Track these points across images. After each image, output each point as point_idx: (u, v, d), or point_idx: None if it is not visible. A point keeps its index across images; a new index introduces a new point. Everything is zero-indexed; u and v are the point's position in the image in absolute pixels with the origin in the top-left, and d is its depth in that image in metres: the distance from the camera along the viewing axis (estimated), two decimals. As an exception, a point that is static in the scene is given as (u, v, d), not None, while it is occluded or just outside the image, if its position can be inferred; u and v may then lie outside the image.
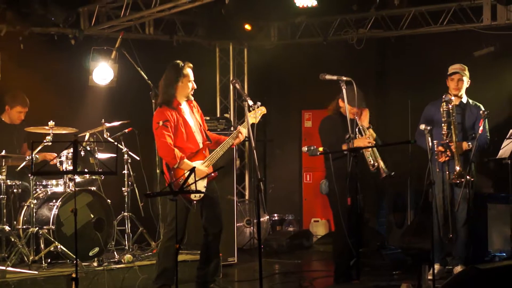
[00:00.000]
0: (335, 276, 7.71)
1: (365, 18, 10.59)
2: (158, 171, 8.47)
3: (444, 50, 10.11)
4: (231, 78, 11.14)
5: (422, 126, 7.51)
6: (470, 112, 7.94)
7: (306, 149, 7.44)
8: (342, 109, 7.56)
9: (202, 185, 6.99)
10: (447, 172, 7.75)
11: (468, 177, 7.68)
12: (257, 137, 7.12)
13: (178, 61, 7.19)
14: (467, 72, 7.99)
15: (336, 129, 7.52)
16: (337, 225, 7.68)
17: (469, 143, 7.73)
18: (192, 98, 7.29)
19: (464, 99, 7.98)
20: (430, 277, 7.53)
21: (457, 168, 7.67)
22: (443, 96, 7.88)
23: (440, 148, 7.73)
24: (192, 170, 6.47)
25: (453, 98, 7.79)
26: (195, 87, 7.22)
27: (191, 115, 7.26)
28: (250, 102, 7.04)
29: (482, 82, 9.67)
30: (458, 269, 7.74)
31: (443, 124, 7.72)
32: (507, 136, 8.16)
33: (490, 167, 8.59)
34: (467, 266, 7.30)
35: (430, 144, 7.50)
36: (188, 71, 7.16)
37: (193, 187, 6.53)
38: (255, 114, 7.21)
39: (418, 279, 7.72)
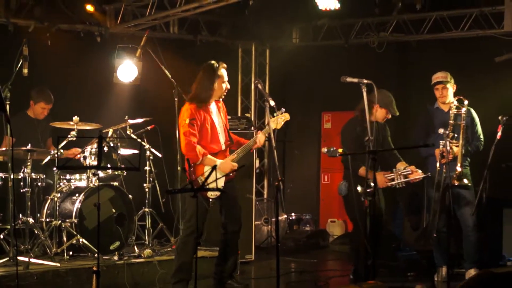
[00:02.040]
0: (353, 276, 7.76)
1: (386, 21, 10.63)
2: (179, 168, 8.55)
3: (464, 55, 10.11)
4: (253, 78, 11.24)
5: (441, 130, 7.55)
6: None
7: (325, 150, 7.48)
8: (372, 112, 7.63)
9: (220, 184, 7.05)
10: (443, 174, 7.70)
11: (465, 180, 7.69)
12: (277, 137, 7.18)
13: (213, 62, 7.21)
14: (450, 79, 8.00)
15: (359, 133, 7.57)
16: (355, 226, 7.74)
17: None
18: (221, 99, 7.36)
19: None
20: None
21: (458, 168, 7.66)
22: (435, 105, 8.07)
23: (442, 149, 7.69)
24: (214, 167, 6.54)
25: (465, 101, 7.79)
26: (229, 87, 7.27)
27: (218, 116, 7.32)
28: (272, 103, 7.07)
29: (503, 87, 9.70)
30: (471, 272, 7.75)
31: (450, 127, 7.72)
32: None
33: (507, 172, 8.58)
34: (480, 270, 7.32)
35: (448, 147, 7.54)
36: (223, 71, 7.21)
37: (212, 185, 6.61)
38: (278, 120, 7.25)
39: (432, 281, 7.78)
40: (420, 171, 7.64)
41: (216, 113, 7.31)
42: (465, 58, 10.02)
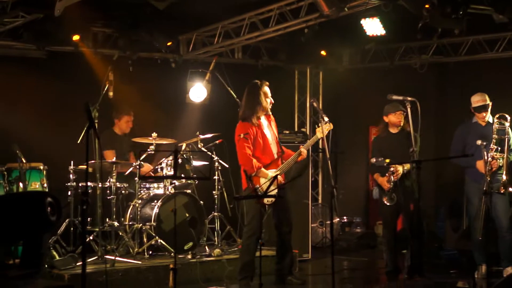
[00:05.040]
0: (388, 270, 7.75)
1: (427, 45, 10.47)
2: (243, 177, 8.54)
3: (499, 74, 9.89)
4: (308, 97, 11.18)
5: (479, 142, 7.40)
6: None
7: (374, 160, 7.41)
8: (389, 126, 7.57)
9: (274, 191, 6.98)
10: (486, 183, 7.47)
11: (511, 189, 7.49)
12: (330, 149, 7.11)
13: (257, 81, 7.24)
14: (488, 100, 7.78)
15: (382, 147, 7.51)
16: (386, 226, 7.76)
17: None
18: (270, 113, 7.33)
19: (490, 118, 7.80)
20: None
21: (504, 177, 7.47)
22: (473, 120, 7.88)
23: (488, 160, 7.51)
24: (275, 177, 6.52)
25: (508, 117, 7.60)
26: (273, 101, 7.26)
27: (269, 128, 7.30)
28: (326, 119, 7.11)
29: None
30: (508, 270, 7.54)
31: (493, 140, 7.54)
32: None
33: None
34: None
35: (486, 157, 7.38)
36: (266, 89, 7.21)
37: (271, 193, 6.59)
38: (322, 129, 7.17)
39: (473, 278, 7.59)
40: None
41: (267, 126, 7.28)
42: (499, 77, 9.80)
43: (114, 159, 8.05)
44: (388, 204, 7.33)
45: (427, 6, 7.56)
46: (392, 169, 7.40)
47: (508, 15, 8.13)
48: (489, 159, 7.42)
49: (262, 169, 7.05)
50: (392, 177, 7.42)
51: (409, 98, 7.25)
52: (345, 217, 11.31)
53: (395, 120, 7.66)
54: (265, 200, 6.98)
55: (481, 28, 9.62)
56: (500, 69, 9.96)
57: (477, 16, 8.44)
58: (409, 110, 7.23)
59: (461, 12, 7.61)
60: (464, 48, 10.14)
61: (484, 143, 7.39)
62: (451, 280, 7.61)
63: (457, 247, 9.25)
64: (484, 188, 7.34)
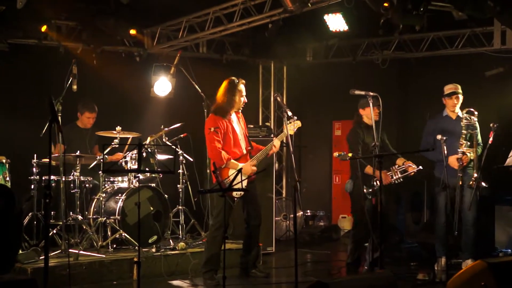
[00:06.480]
0: (348, 262, 7.79)
1: (389, 41, 10.54)
2: (208, 171, 8.50)
3: (458, 70, 10.00)
4: (272, 92, 11.19)
5: (439, 137, 7.44)
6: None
7: (337, 154, 7.43)
8: (364, 118, 7.59)
9: (243, 185, 6.98)
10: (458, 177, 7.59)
11: (483, 183, 7.59)
12: (293, 143, 7.14)
13: (234, 78, 7.23)
14: (460, 90, 7.90)
15: (360, 139, 7.53)
16: (358, 219, 7.71)
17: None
18: (240, 110, 7.35)
19: (460, 113, 7.89)
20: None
21: (475, 174, 7.56)
22: (443, 113, 7.93)
23: (460, 156, 7.60)
24: (239, 170, 6.51)
25: (476, 112, 7.69)
26: (246, 101, 7.29)
27: (238, 124, 7.32)
28: (289, 113, 7.14)
29: (493, 98, 9.58)
30: (468, 262, 7.62)
31: (462, 135, 7.63)
32: (514, 147, 8.05)
33: (498, 173, 8.46)
34: (477, 260, 7.22)
35: (446, 152, 7.46)
36: (242, 87, 7.23)
37: (237, 186, 6.57)
38: (292, 126, 7.23)
39: (433, 270, 7.68)
40: (414, 165, 7.54)
41: (237, 122, 7.30)
42: (459, 73, 9.89)
43: (77, 153, 7.92)
44: (369, 196, 7.29)
45: (385, 4, 7.60)
46: (408, 164, 7.48)
47: (467, 12, 8.23)
48: (459, 154, 7.52)
49: (232, 160, 7.06)
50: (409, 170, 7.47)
51: (371, 93, 7.28)
52: (308, 211, 11.37)
53: (373, 114, 7.67)
54: (234, 194, 6.98)
55: (441, 25, 9.72)
56: (459, 65, 10.08)
57: (438, 13, 8.52)
58: (371, 104, 7.26)
59: (421, 9, 7.66)
60: (425, 44, 10.23)
61: (444, 138, 7.43)
62: (412, 272, 7.68)
63: (417, 239, 9.36)
64: (446, 183, 7.42)
